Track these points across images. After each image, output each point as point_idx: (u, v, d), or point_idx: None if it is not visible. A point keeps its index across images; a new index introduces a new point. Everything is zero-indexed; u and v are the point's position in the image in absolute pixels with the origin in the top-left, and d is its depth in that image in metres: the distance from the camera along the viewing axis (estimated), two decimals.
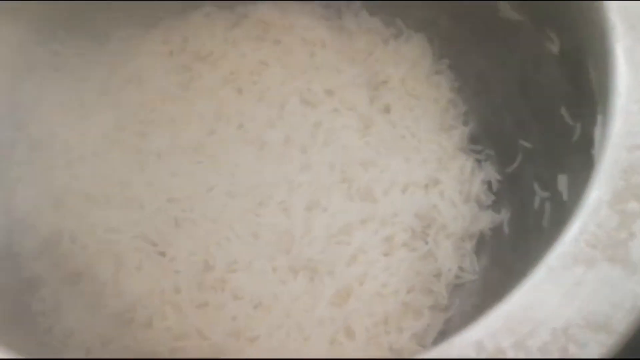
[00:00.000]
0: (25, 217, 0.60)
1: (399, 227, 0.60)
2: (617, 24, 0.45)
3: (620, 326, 0.36)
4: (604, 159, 0.39)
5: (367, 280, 0.58)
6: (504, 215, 0.63)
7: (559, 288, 0.37)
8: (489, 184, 0.65)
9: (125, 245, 0.59)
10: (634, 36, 0.44)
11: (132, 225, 0.60)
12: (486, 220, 0.63)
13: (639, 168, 0.38)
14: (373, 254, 0.59)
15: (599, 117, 0.46)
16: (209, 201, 0.62)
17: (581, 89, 0.54)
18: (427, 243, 0.61)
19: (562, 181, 0.57)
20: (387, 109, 0.67)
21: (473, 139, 0.67)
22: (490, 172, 0.65)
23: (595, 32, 0.49)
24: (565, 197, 0.57)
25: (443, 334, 0.60)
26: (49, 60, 0.66)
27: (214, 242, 0.60)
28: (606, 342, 0.35)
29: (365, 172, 0.62)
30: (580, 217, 0.38)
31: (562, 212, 0.58)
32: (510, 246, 0.62)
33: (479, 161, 0.66)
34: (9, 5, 0.60)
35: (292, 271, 0.60)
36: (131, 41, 0.68)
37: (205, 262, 0.60)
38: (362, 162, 0.63)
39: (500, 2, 0.61)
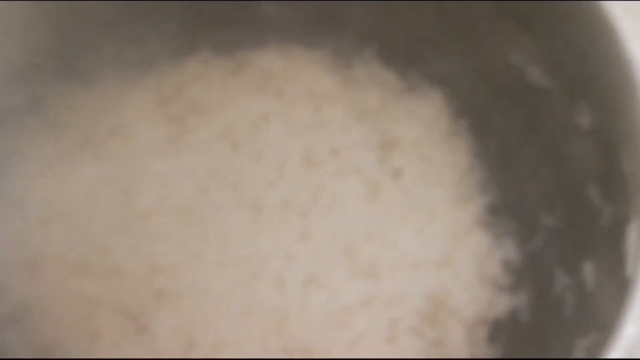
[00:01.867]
0: None
1: (406, 309, 0.59)
2: None
3: None
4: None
5: None
6: (523, 299, 0.61)
7: None
8: (507, 262, 0.62)
9: (102, 318, 0.57)
10: None
11: (111, 296, 0.58)
12: (503, 305, 0.61)
13: None
14: (375, 339, 0.57)
15: (633, 218, 0.43)
16: (196, 271, 0.60)
17: (611, 170, 0.52)
18: (436, 328, 0.58)
19: (587, 268, 0.56)
20: (397, 174, 0.64)
21: (491, 210, 0.65)
22: (509, 249, 0.62)
23: (631, 114, 0.47)
24: (590, 287, 0.55)
25: None
26: (28, 104, 0.63)
27: (200, 317, 0.58)
28: None
29: (370, 245, 0.60)
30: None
31: (586, 305, 0.56)
32: (528, 335, 0.60)
33: (497, 235, 0.63)
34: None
35: (286, 354, 0.58)
36: (119, 87, 0.66)
37: (189, 340, 0.57)
38: (368, 233, 0.61)
39: (529, 66, 0.59)
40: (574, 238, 0.58)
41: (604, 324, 0.47)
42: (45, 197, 0.60)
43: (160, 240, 0.60)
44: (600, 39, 0.50)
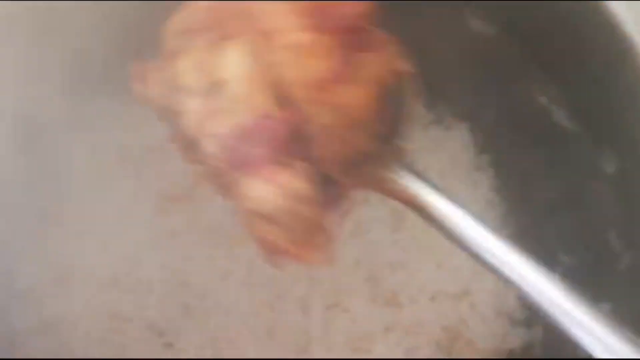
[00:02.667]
0: (26, 293, 0.59)
1: (424, 338, 0.60)
2: None
3: None
4: None
5: None
6: (537, 333, 0.62)
7: None
8: (522, 297, 0.63)
9: (131, 334, 0.58)
10: None
11: (140, 311, 0.59)
12: (517, 339, 0.62)
13: None
14: None
15: None
16: (223, 290, 0.61)
17: (635, 218, 0.53)
18: (451, 358, 0.60)
19: (605, 311, 0.56)
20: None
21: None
22: None
23: None
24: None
25: None
26: (68, 116, 0.64)
27: (224, 335, 0.59)
28: None
29: (392, 273, 0.62)
30: None
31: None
32: None
33: None
34: (43, 42, 0.58)
35: None
36: None
37: (213, 357, 0.58)
38: (391, 262, 0.62)
39: (555, 108, 0.60)
40: (591, 279, 0.59)
41: None
42: (80, 212, 0.62)
43: (189, 258, 0.62)
44: (628, 88, 0.52)
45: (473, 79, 0.68)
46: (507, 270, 0.45)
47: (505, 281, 0.44)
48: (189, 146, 0.42)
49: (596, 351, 0.40)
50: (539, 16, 0.57)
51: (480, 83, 0.68)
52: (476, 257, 0.46)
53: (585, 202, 0.61)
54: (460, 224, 0.45)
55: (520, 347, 0.62)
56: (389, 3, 0.43)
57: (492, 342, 0.61)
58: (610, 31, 0.52)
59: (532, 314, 0.64)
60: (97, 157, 0.64)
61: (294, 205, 0.39)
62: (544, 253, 0.65)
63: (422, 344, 0.60)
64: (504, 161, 0.68)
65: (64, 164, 0.63)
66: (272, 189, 0.38)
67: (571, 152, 0.61)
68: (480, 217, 0.64)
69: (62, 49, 0.61)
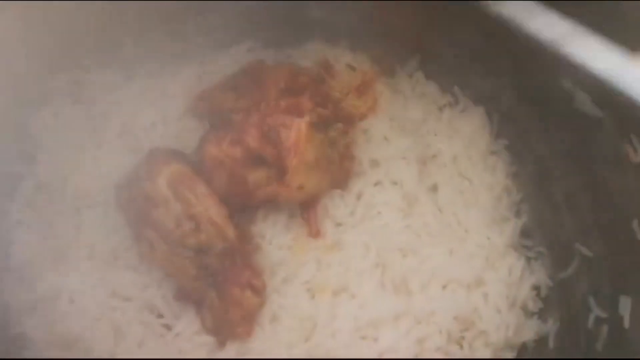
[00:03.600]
0: (22, 267, 0.57)
1: (434, 328, 0.57)
2: None
3: None
4: None
5: None
6: (551, 326, 0.60)
7: None
8: (538, 289, 0.61)
9: (129, 315, 0.55)
10: None
11: (139, 291, 0.56)
12: (531, 331, 0.59)
13: None
14: (401, 356, 0.56)
15: None
16: None
17: None
18: (462, 348, 0.57)
19: (625, 303, 0.54)
20: (434, 188, 0.63)
21: (525, 233, 0.64)
22: (541, 275, 0.61)
23: None
24: (626, 323, 0.54)
25: None
26: (69, 89, 0.63)
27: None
28: None
29: (403, 259, 0.59)
30: None
31: (621, 341, 0.55)
32: None
33: (529, 259, 0.62)
34: (35, 20, 0.56)
35: None
36: (161, 78, 0.64)
37: (213, 341, 0.56)
38: (401, 247, 0.59)
39: (580, 92, 0.57)
40: (611, 271, 0.56)
41: None
42: (80, 185, 0.59)
43: None
44: None
45: (491, 61, 0.65)
46: None
47: None
48: None
49: None
50: None
51: (499, 66, 0.65)
52: None
53: (608, 192, 0.57)
54: None
55: (533, 340, 0.59)
56: None
57: (506, 334, 0.57)
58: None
59: (546, 307, 0.62)
60: (98, 131, 0.62)
61: None
62: (561, 243, 0.63)
63: (433, 333, 0.56)
64: (522, 146, 0.65)
65: (63, 135, 0.61)
66: None
67: (594, 139, 0.58)
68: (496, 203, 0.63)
69: (60, 19, 0.59)
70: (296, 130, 0.56)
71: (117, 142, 0.61)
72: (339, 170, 0.61)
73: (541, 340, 0.60)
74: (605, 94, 0.57)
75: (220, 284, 0.55)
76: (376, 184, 0.62)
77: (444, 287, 0.59)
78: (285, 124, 0.57)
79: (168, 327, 0.56)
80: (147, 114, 0.63)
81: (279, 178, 0.57)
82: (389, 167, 0.63)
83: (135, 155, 0.60)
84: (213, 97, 0.63)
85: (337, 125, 0.61)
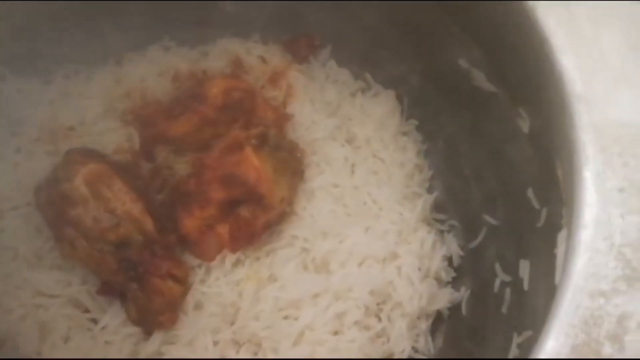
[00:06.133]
0: None
1: (352, 303, 0.59)
2: (588, 145, 0.42)
3: None
4: (564, 302, 0.37)
5: None
6: (463, 293, 0.62)
7: None
8: (450, 259, 0.64)
9: (54, 311, 0.56)
10: (605, 160, 0.41)
11: (63, 288, 0.57)
12: (444, 299, 0.62)
13: (600, 320, 0.36)
14: (322, 332, 0.58)
15: (564, 226, 0.44)
16: None
17: (548, 176, 0.52)
18: (380, 321, 0.60)
19: (524, 267, 0.57)
20: (352, 170, 0.65)
21: (437, 207, 0.66)
22: (453, 246, 0.64)
23: (563, 124, 0.47)
24: (525, 285, 0.56)
25: None
26: None
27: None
28: None
29: (323, 241, 0.60)
30: None
31: (521, 302, 0.57)
32: (468, 329, 0.61)
33: (441, 232, 0.65)
34: None
35: (235, 345, 0.58)
36: (78, 81, 0.65)
37: (140, 332, 0.57)
38: (324, 230, 0.61)
39: (475, 70, 0.59)
40: (513, 237, 0.59)
41: (536, 323, 0.48)
42: (1, 190, 0.60)
43: None
44: (535, 51, 0.51)
45: (398, 46, 0.68)
46: None
47: None
48: None
49: None
50: None
51: (405, 49, 0.68)
52: None
53: (507, 163, 0.60)
54: None
55: (447, 307, 0.62)
56: None
57: (420, 303, 0.60)
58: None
59: (459, 275, 0.64)
60: (18, 136, 0.62)
61: None
62: (471, 215, 0.66)
63: (351, 308, 0.58)
64: (431, 126, 0.68)
65: None
66: None
67: (492, 114, 0.61)
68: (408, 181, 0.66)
69: None
70: (248, 164, 0.59)
71: (36, 145, 0.61)
72: (295, 161, 0.63)
73: (454, 308, 0.63)
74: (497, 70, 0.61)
75: (141, 275, 0.57)
76: (315, 166, 0.64)
77: (361, 263, 0.61)
78: (236, 164, 0.59)
79: (94, 321, 0.58)
80: (65, 116, 0.63)
81: (261, 206, 0.59)
82: (322, 149, 0.64)
83: (53, 158, 0.61)
84: (151, 120, 0.64)
85: (272, 132, 0.62)
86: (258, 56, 0.68)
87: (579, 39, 0.46)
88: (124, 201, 0.57)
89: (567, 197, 0.48)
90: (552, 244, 0.48)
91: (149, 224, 0.58)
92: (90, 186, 0.57)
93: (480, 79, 0.60)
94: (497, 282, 0.59)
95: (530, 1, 0.49)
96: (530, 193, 0.56)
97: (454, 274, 0.63)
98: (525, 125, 0.56)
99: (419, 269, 0.61)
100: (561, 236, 0.45)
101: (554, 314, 0.36)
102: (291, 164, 0.63)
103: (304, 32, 0.70)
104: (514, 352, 0.52)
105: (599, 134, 0.41)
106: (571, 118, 0.45)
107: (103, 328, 0.57)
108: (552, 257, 0.48)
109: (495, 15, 0.54)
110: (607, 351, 0.37)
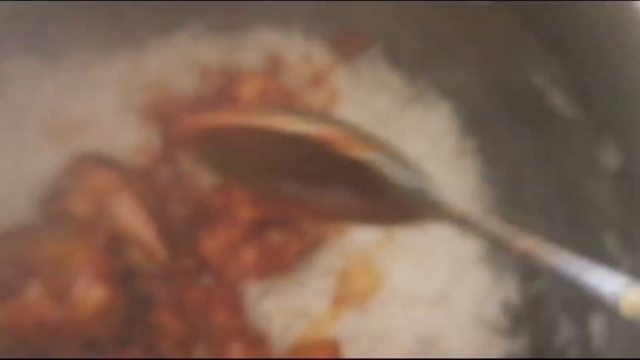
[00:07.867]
0: None
1: (394, 348, 0.52)
2: None
3: None
4: None
5: None
6: (521, 345, 0.55)
7: None
8: (507, 304, 0.56)
9: None
10: None
11: None
12: (498, 350, 0.54)
13: None
14: None
15: None
16: None
17: (635, 219, 0.45)
18: None
19: (596, 320, 0.50)
20: None
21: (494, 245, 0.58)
22: (512, 290, 0.56)
23: None
24: (597, 342, 0.49)
25: None
26: None
27: None
28: None
29: (364, 275, 0.53)
30: None
31: None
32: None
33: (499, 273, 0.57)
34: None
35: None
36: (89, 66, 0.57)
37: None
38: (365, 262, 0.54)
39: (553, 90, 0.51)
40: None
41: None
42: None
43: None
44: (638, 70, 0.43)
45: (461, 52, 0.60)
46: None
47: None
48: None
49: None
50: None
51: (469, 57, 0.59)
52: None
53: (581, 199, 0.53)
54: None
55: (501, 358, 0.56)
56: None
57: (469, 353, 0.54)
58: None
59: (516, 324, 0.58)
60: (21, 128, 0.54)
61: None
62: None
63: (393, 354, 0.53)
64: (493, 147, 0.60)
65: None
66: None
67: (568, 142, 0.53)
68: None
69: None
70: None
71: (40, 140, 0.53)
72: None
73: None
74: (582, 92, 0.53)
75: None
76: None
77: (405, 303, 0.53)
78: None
79: None
80: (74, 108, 0.55)
81: (295, 230, 0.52)
82: None
83: (59, 156, 0.53)
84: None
85: None
86: (299, 53, 0.61)
87: None
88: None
89: None
90: None
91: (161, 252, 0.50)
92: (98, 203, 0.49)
93: (558, 101, 0.52)
94: (562, 336, 0.53)
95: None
96: (608, 237, 0.49)
97: (510, 323, 0.56)
98: (611, 159, 0.49)
99: (472, 313, 0.55)
100: None
101: None
102: None
103: (354, 28, 0.61)
104: None
105: None
106: None
107: None
108: None
109: (587, 21, 0.46)
110: None
